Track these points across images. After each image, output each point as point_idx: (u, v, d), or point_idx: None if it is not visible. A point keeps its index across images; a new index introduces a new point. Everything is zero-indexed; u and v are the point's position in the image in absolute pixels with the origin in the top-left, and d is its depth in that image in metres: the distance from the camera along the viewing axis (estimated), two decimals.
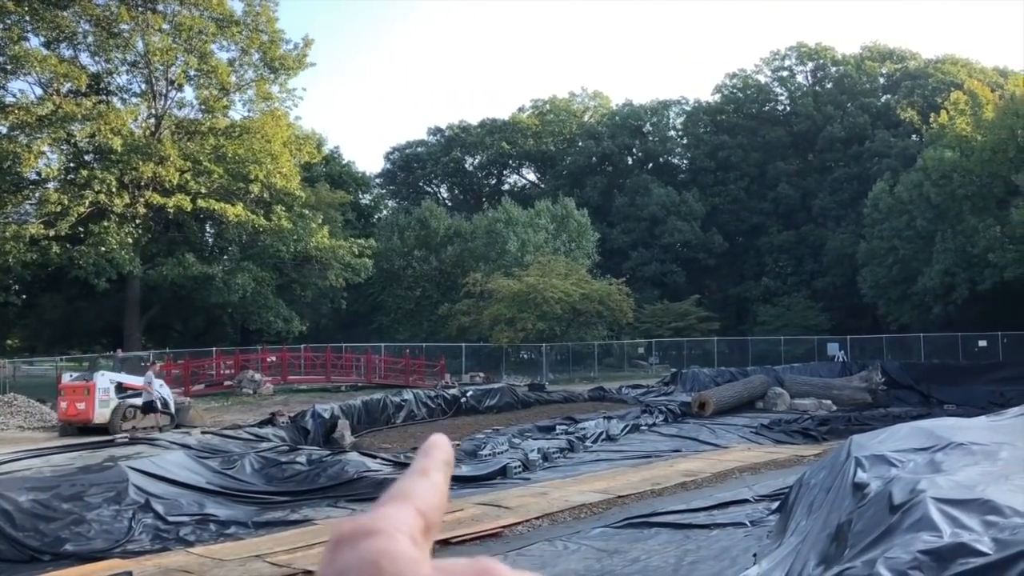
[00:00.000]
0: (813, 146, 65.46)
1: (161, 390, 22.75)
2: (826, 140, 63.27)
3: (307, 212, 46.54)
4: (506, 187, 76.20)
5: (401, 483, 0.67)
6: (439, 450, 0.72)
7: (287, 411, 20.14)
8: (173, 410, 22.68)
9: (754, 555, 8.10)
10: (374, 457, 15.72)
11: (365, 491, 13.42)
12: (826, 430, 20.34)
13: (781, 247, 61.33)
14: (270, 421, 18.74)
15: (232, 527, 11.31)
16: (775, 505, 10.00)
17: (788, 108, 68.68)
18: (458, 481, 14.65)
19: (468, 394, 27.44)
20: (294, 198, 45.89)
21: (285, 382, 34.42)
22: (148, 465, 12.32)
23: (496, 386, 29.30)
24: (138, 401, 22.01)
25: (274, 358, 36.96)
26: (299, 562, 9.06)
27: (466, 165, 76.38)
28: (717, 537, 9.95)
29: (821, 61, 68.79)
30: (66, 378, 22.68)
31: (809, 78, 70.33)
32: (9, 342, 49.55)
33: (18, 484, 10.80)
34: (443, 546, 9.56)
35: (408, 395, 25.98)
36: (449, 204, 71.72)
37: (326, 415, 19.28)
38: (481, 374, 39.61)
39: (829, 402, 25.37)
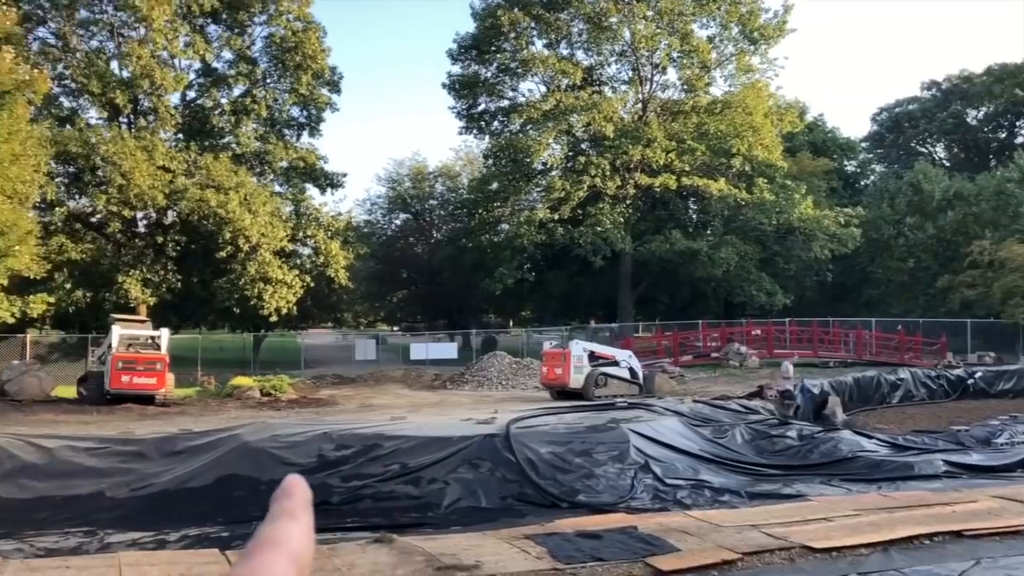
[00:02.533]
0: None
1: (630, 360, 23.90)
2: None
3: (789, 183, 45.51)
4: (1019, 140, 66.24)
5: (269, 528, 0.66)
6: (299, 490, 0.72)
7: (775, 385, 19.96)
8: (641, 380, 23.66)
9: None
10: (869, 437, 14.89)
11: (860, 471, 12.78)
12: None
13: None
14: (758, 394, 18.75)
15: (725, 495, 11.55)
16: None
17: None
18: (967, 470, 13.23)
19: (976, 375, 24.56)
20: (776, 169, 45.16)
21: (771, 356, 34.13)
22: (646, 429, 13.11)
23: (1012, 368, 25.78)
24: (609, 369, 23.27)
25: (759, 331, 36.93)
26: (795, 536, 8.90)
27: (968, 119, 68.00)
28: None
29: None
30: (546, 346, 25.01)
31: None
32: (523, 313, 56.62)
33: (539, 437, 12.22)
34: (955, 538, 8.70)
35: (904, 374, 24.09)
36: (947, 164, 64.61)
37: (815, 391, 18.73)
38: (991, 354, 35.14)
39: None
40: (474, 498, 10.81)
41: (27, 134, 23.89)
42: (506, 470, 11.22)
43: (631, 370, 23.57)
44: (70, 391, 25.97)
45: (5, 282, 22.64)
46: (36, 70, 24.70)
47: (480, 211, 47.86)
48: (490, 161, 49.13)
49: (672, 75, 47.52)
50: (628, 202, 44.65)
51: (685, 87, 46.33)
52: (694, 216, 50.51)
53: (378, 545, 7.50)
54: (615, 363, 23.43)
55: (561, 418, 14.69)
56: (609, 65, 47.91)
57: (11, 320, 23.98)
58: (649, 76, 47.12)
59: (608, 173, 43.12)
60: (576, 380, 22.33)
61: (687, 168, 43.33)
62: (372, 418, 16.51)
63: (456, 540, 7.77)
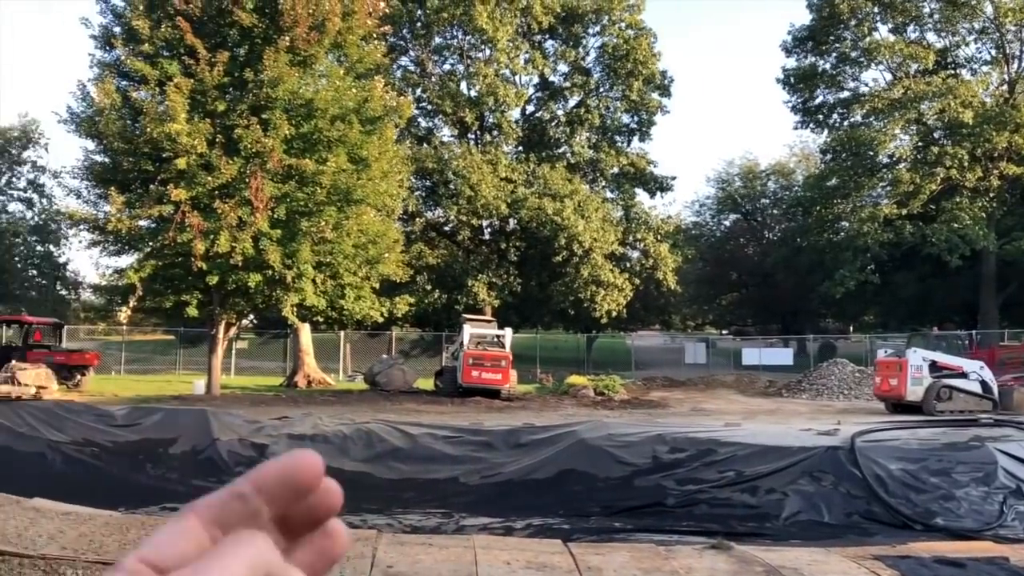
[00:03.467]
0: None
1: (982, 372, 21.22)
2: None
3: None
4: None
5: (200, 500, 0.49)
6: (295, 467, 0.49)
7: None
8: (996, 395, 20.91)
9: None
10: None
11: None
12: None
13: None
14: None
15: None
16: None
17: None
18: None
19: None
20: None
21: None
22: (1017, 449, 11.64)
23: None
24: (955, 382, 20.85)
25: None
26: None
27: None
28: None
29: None
30: (880, 354, 22.89)
31: None
32: (865, 318, 52.79)
33: (889, 452, 11.34)
34: None
35: None
36: None
37: None
38: None
39: None
40: (815, 512, 10.29)
41: (393, 154, 26.85)
42: (851, 485, 10.54)
43: (983, 383, 21.12)
44: (428, 383, 28.79)
45: (376, 285, 25.62)
46: (400, 96, 27.65)
47: (817, 209, 45.45)
48: (828, 156, 46.47)
49: None
50: (991, 195, 39.88)
51: None
52: None
53: (715, 551, 7.42)
54: (963, 375, 21.11)
55: (914, 433, 13.51)
56: (967, 45, 43.21)
57: (381, 319, 27.09)
58: (1017, 54, 41.77)
59: (966, 164, 38.84)
60: (913, 392, 20.60)
61: None
62: (705, 422, 16.39)
63: (797, 554, 7.46)
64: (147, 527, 7.62)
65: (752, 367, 37.02)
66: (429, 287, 37.86)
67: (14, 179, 54.20)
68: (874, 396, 22.81)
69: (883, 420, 15.92)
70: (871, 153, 41.84)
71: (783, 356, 39.32)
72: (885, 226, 40.18)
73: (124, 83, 23.79)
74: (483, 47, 40.87)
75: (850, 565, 7.07)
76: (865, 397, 25.81)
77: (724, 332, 58.84)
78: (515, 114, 43.32)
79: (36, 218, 53.49)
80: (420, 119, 43.22)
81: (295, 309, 23.61)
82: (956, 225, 38.09)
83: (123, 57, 22.94)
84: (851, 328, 57.21)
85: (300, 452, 0.50)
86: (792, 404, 24.47)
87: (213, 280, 22.05)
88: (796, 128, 48.58)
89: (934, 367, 21.23)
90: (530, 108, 44.99)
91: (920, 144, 42.68)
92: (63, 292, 52.10)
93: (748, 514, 10.41)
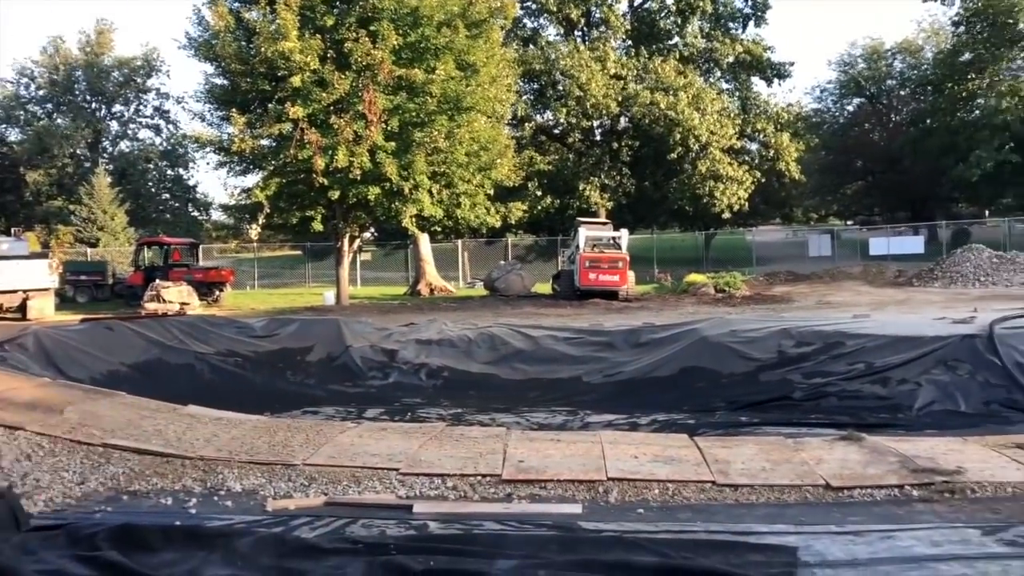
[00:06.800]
0: None
1: None
2: None
3: None
4: None
5: None
6: None
7: None
8: None
9: None
10: None
11: None
12: None
13: None
14: None
15: None
16: None
17: None
18: None
19: None
20: None
21: None
22: None
23: None
24: None
25: None
26: None
27: None
28: None
29: None
30: None
31: None
32: (1004, 200, 49.47)
33: None
34: None
35: None
36: None
37: None
38: None
39: None
40: (951, 401, 10.03)
41: (500, 57, 26.53)
42: (989, 374, 10.19)
43: None
44: (545, 287, 29.05)
45: (491, 192, 25.77)
46: None
47: (949, 86, 42.53)
48: (961, 28, 43.07)
49: None
50: None
51: None
52: None
53: (846, 443, 7.37)
54: None
55: None
56: None
57: (496, 225, 27.31)
58: None
59: None
60: None
61: None
62: (832, 315, 16.00)
63: (932, 443, 7.32)
64: (292, 429, 8.15)
65: (880, 257, 35.61)
66: (540, 193, 37.77)
67: (141, 107, 56.63)
68: None
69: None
70: (1010, 22, 38.55)
71: (913, 244, 37.58)
72: None
73: (236, 4, 24.26)
74: None
75: (990, 453, 6.90)
76: (1004, 283, 24.56)
77: (850, 223, 56.52)
78: (623, 7, 41.91)
79: (165, 143, 55.93)
80: (525, 19, 42.37)
81: (414, 220, 24.08)
82: None
83: None
84: (987, 213, 53.90)
85: None
86: (924, 293, 23.53)
87: (334, 195, 22.67)
88: (924, 1, 45.10)
89: None
90: (638, 0, 43.43)
91: None
92: (195, 213, 54.70)
93: (879, 405, 10.24)
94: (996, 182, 42.16)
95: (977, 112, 41.46)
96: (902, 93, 54.18)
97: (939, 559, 4.42)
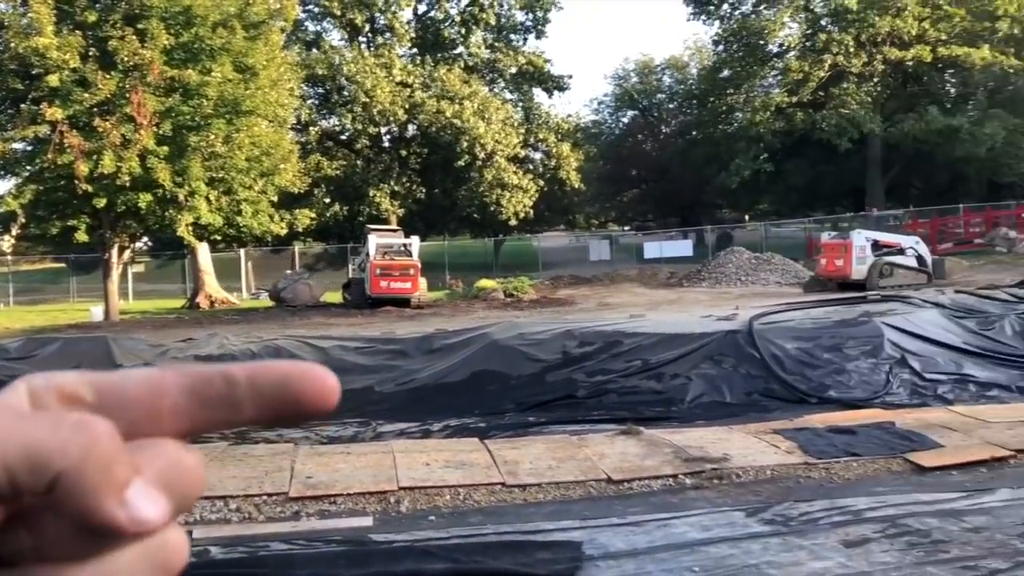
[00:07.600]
0: None
1: (918, 247, 22.49)
2: None
3: None
4: None
5: (187, 366, 0.41)
6: (304, 379, 0.40)
7: None
8: (930, 268, 22.23)
9: None
10: None
11: None
12: None
13: None
14: None
15: (993, 389, 10.76)
16: None
17: None
18: None
19: None
20: None
21: None
22: (901, 322, 12.36)
23: None
24: (895, 258, 21.96)
25: None
26: None
27: None
28: None
29: None
30: (824, 237, 24.03)
31: None
32: (760, 206, 54.43)
33: (785, 333, 11.91)
34: None
35: None
36: None
37: None
38: None
39: None
40: (718, 393, 10.80)
41: (281, 60, 25.78)
42: (750, 366, 11.07)
43: (919, 258, 22.31)
44: (336, 296, 28.53)
45: (274, 199, 24.95)
46: None
47: (711, 101, 46.09)
48: (720, 47, 46.87)
49: None
50: (876, 80, 41.12)
51: None
52: (952, 90, 45.64)
53: (625, 437, 7.75)
54: (900, 251, 22.21)
55: (807, 313, 14.17)
56: None
57: (282, 233, 26.49)
58: None
59: (852, 50, 39.81)
60: (858, 271, 21.46)
61: (944, 37, 39.05)
62: (611, 316, 16.80)
63: (702, 433, 7.85)
64: None
65: (654, 260, 37.91)
66: (328, 200, 37.09)
67: None
68: (819, 276, 23.39)
69: (779, 303, 16.63)
70: (761, 42, 42.44)
71: (683, 248, 40.33)
72: (777, 115, 41.16)
73: None
74: None
75: (751, 440, 7.49)
76: (762, 282, 26.86)
77: (626, 228, 59.82)
78: (407, 14, 42.02)
79: None
80: (307, 23, 41.50)
81: (190, 228, 22.85)
82: (844, 111, 39.27)
83: None
84: (746, 217, 58.96)
85: (317, 368, 0.40)
86: (693, 293, 25.29)
87: (101, 203, 21.08)
88: (689, 19, 48.92)
89: (876, 246, 22.17)
90: (422, 8, 43.70)
91: (808, 32, 43.41)
92: None
93: (655, 400, 10.85)
94: (753, 189, 46.15)
95: (736, 124, 45.17)
96: (671, 106, 58.03)
97: (709, 543, 4.72)
